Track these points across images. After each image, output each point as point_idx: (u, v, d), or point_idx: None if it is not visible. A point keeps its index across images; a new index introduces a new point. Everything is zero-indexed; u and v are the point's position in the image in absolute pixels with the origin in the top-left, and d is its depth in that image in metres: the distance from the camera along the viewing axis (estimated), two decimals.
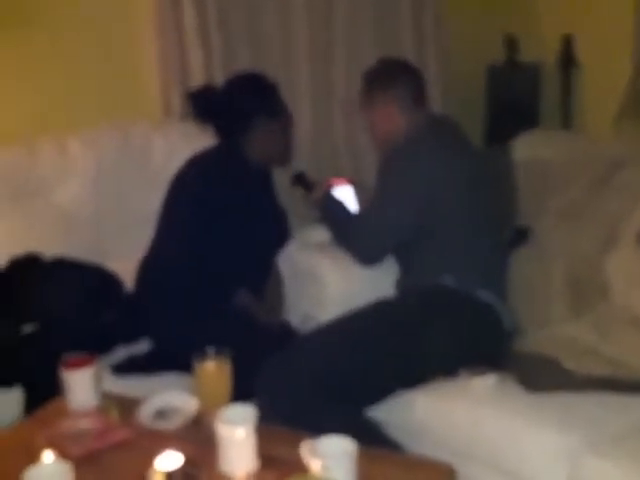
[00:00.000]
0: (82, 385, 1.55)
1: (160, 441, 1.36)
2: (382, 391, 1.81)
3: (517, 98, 3.33)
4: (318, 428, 1.32)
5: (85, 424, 1.48)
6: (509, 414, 1.67)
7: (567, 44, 3.17)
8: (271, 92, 2.14)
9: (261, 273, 2.17)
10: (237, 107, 2.08)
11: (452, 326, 1.83)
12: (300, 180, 2.27)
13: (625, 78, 2.79)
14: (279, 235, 2.21)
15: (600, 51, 3.06)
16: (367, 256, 2.06)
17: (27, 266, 1.98)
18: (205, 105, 2.11)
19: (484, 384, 1.76)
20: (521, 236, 2.13)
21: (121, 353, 1.96)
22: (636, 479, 1.43)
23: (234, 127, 2.08)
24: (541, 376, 1.71)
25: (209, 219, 1.97)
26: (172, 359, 1.87)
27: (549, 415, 1.63)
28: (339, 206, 2.17)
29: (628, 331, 1.76)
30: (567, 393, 1.67)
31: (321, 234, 2.23)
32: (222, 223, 1.97)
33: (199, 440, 1.41)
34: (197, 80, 2.60)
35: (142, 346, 2.00)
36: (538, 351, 1.80)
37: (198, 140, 2.24)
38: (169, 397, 1.56)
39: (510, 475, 1.66)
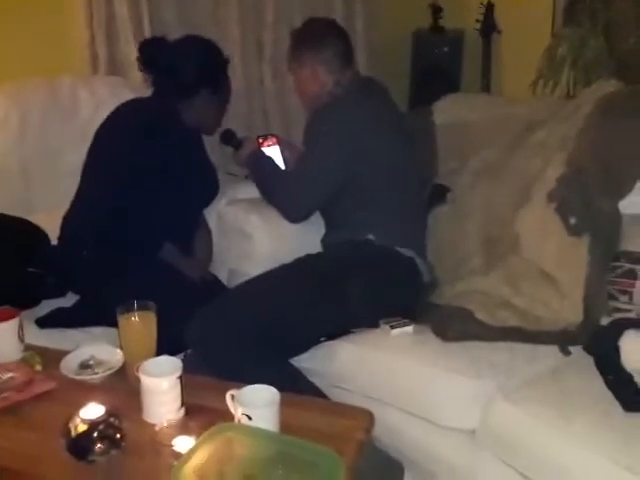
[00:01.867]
0: (5, 338, 1.54)
1: (84, 392, 1.36)
2: (306, 341, 1.87)
3: (441, 63, 3.44)
4: (245, 378, 1.36)
5: (7, 376, 1.46)
6: (425, 362, 1.75)
7: (489, 11, 3.26)
8: (223, 67, 2.15)
9: (188, 228, 2.17)
10: (188, 74, 2.07)
11: (373, 279, 1.89)
12: (228, 137, 2.28)
13: (542, 45, 2.90)
14: (208, 191, 2.22)
15: (520, 19, 3.17)
16: (294, 212, 2.10)
17: None
18: (154, 57, 2.08)
19: (402, 334, 1.83)
20: (440, 195, 2.20)
21: (46, 307, 1.94)
22: (543, 422, 1.52)
23: (177, 90, 2.07)
24: (455, 326, 1.78)
25: (137, 171, 1.95)
26: (97, 313, 1.87)
27: (462, 363, 1.72)
28: (267, 163, 2.19)
29: (537, 284, 1.85)
30: (479, 342, 1.76)
31: (250, 191, 2.25)
32: (150, 176, 1.95)
33: (123, 392, 1.42)
34: (124, 35, 2.56)
35: (67, 300, 1.99)
36: (453, 303, 1.88)
37: (125, 94, 2.23)
38: (94, 349, 1.56)
39: (426, 421, 1.74)
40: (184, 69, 2.06)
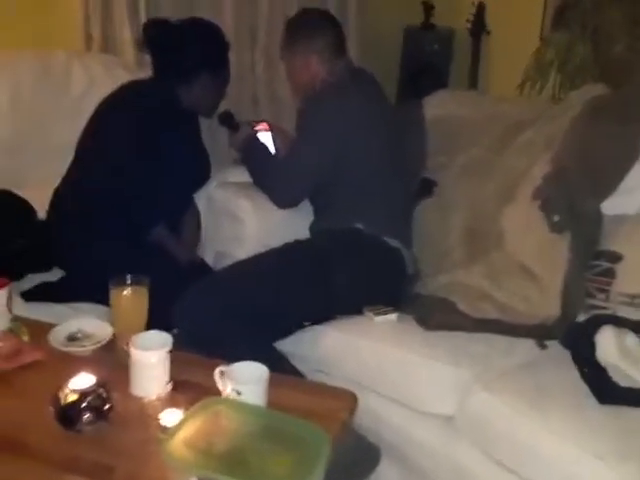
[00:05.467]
0: None
1: (72, 364, 1.37)
2: (291, 325, 1.89)
3: (430, 60, 3.47)
4: (229, 357, 1.38)
5: None
6: (406, 350, 1.79)
7: (479, 12, 3.30)
8: (224, 51, 2.17)
9: (179, 209, 2.18)
10: (189, 56, 2.08)
11: (359, 267, 1.92)
12: (227, 119, 2.29)
13: (531, 48, 2.94)
14: (201, 174, 2.23)
15: (510, 21, 3.21)
16: (284, 198, 2.12)
17: None
18: (158, 39, 2.08)
19: (386, 322, 1.87)
20: (427, 188, 2.24)
21: (31, 281, 1.94)
22: (518, 412, 1.56)
23: (178, 72, 2.08)
24: (437, 316, 1.83)
25: (134, 151, 1.96)
26: (83, 289, 1.88)
27: (442, 352, 1.75)
28: (261, 148, 2.21)
29: (517, 279, 1.90)
30: (459, 333, 1.80)
31: (241, 175, 2.26)
32: (146, 156, 1.97)
33: (111, 365, 1.42)
34: (119, 13, 2.55)
35: (53, 275, 1.99)
36: (436, 294, 1.92)
37: (119, 74, 2.23)
38: (81, 323, 1.56)
39: (406, 406, 1.78)
40: (188, 51, 2.08)
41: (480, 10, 3.30)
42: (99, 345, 1.51)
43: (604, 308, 1.83)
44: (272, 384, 1.32)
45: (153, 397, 1.35)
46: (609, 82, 2.22)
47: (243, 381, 1.30)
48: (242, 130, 2.25)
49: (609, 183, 1.93)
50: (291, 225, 2.14)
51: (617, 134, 1.96)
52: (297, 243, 2.00)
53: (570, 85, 2.72)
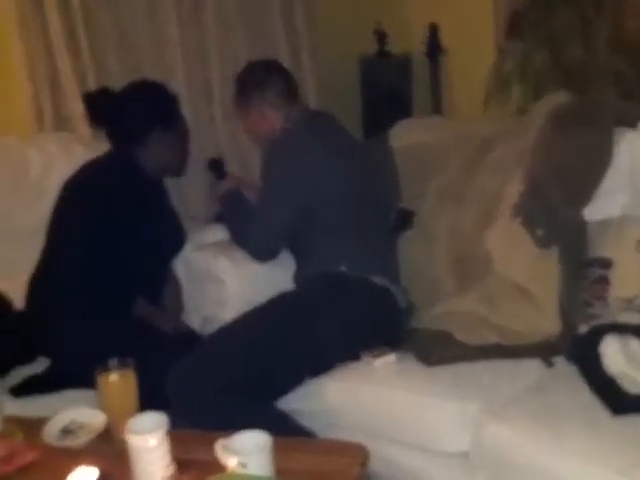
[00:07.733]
0: None
1: (70, 459, 1.33)
2: (290, 382, 1.84)
3: (390, 87, 3.47)
4: (231, 426, 1.33)
5: None
6: (410, 390, 1.75)
7: (433, 33, 3.31)
8: (170, 104, 2.15)
9: (158, 280, 2.14)
10: (134, 118, 2.06)
11: (350, 311, 1.88)
12: (216, 166, 2.27)
13: (488, 61, 2.95)
14: (176, 241, 2.19)
15: (464, 38, 3.22)
16: (261, 252, 2.10)
17: None
18: (101, 110, 2.07)
19: (386, 364, 1.83)
20: (406, 220, 2.21)
21: (18, 375, 1.88)
22: (532, 438, 1.52)
23: (130, 137, 2.06)
24: (436, 350, 1.79)
25: (105, 229, 1.93)
26: (72, 375, 1.82)
27: (446, 387, 1.72)
28: (243, 204, 2.18)
29: (512, 299, 1.87)
30: (462, 363, 1.77)
31: (215, 234, 2.23)
32: (118, 233, 1.93)
33: (110, 454, 1.38)
34: (69, 87, 2.52)
35: (39, 365, 1.93)
36: (432, 327, 1.89)
37: (75, 150, 2.19)
38: (74, 413, 1.52)
39: (419, 448, 1.74)
40: (131, 113, 2.06)
41: (433, 31, 3.31)
42: (94, 435, 1.46)
43: (604, 316, 1.80)
44: (278, 449, 1.27)
45: None
46: (571, 87, 2.23)
47: (246, 452, 1.25)
48: (228, 181, 2.23)
49: (586, 190, 1.92)
50: (274, 278, 2.10)
51: (587, 140, 1.96)
52: (282, 296, 1.96)
53: (534, 94, 2.72)
